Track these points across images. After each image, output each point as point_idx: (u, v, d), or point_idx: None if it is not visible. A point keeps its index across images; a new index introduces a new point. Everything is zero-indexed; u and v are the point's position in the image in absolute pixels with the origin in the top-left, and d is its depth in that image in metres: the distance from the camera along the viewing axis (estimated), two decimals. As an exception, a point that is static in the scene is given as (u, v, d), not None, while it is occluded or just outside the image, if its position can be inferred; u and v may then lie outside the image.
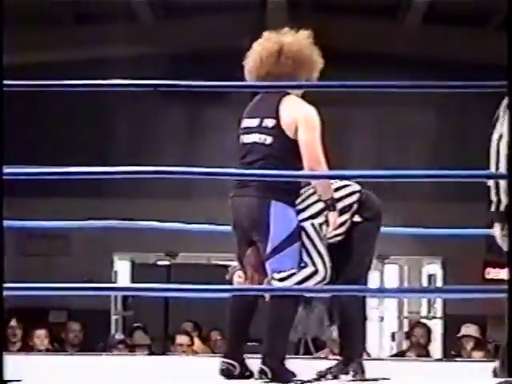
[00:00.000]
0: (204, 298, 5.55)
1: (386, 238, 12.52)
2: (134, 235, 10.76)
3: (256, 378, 5.32)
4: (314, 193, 5.42)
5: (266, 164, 5.33)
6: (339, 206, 5.44)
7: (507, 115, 4.91)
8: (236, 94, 10.51)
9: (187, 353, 10.81)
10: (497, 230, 5.05)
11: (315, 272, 5.38)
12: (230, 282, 5.65)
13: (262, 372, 5.32)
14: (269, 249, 5.34)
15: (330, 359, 5.74)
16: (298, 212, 5.40)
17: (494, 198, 5.04)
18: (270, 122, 5.41)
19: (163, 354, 11.04)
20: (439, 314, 14.46)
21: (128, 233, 10.11)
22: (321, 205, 5.40)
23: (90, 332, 12.12)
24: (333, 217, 5.40)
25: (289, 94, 5.46)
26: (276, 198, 5.34)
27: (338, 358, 5.65)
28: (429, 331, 11.89)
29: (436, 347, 12.89)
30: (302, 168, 5.36)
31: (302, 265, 5.37)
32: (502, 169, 4.97)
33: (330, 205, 5.39)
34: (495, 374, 5.09)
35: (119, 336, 13.04)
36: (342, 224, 5.49)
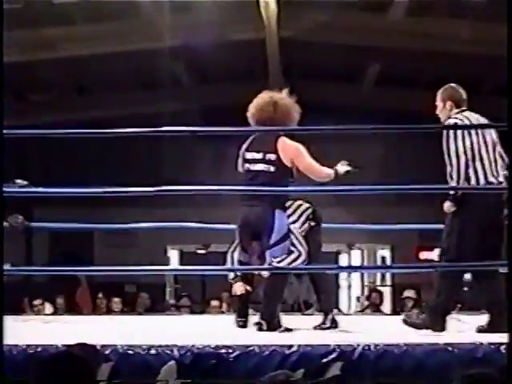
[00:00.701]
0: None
1: (352, 232, 12.60)
2: (181, 232, 10.77)
3: (256, 329, 5.34)
4: (298, 207, 5.61)
5: (270, 185, 5.38)
6: (303, 217, 5.67)
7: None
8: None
9: (218, 312, 10.83)
10: (447, 204, 5.02)
11: (299, 255, 5.47)
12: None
13: (259, 324, 5.36)
14: (271, 242, 5.40)
15: (314, 315, 5.72)
16: (290, 223, 5.53)
17: (451, 192, 4.99)
18: (272, 156, 5.43)
19: (201, 313, 11.06)
20: (389, 282, 14.44)
21: (177, 231, 10.13)
22: (299, 214, 5.63)
23: (152, 299, 12.16)
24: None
25: (281, 135, 5.46)
26: (277, 207, 5.40)
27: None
28: (382, 295, 11.89)
29: (387, 306, 12.85)
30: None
31: (289, 252, 5.47)
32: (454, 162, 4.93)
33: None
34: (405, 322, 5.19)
35: (171, 301, 13.08)
36: (303, 228, 5.67)
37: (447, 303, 5.07)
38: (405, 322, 5.19)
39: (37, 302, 11.05)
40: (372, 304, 11.46)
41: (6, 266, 5.05)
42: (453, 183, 4.96)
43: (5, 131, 3.49)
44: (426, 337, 4.72)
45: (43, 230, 13.14)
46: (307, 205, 5.72)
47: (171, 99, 12.39)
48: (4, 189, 3.93)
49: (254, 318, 5.51)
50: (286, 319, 5.49)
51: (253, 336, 4.94)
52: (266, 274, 5.52)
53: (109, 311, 11.08)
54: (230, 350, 4.07)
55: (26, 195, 6.92)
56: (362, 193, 7.98)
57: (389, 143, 13.28)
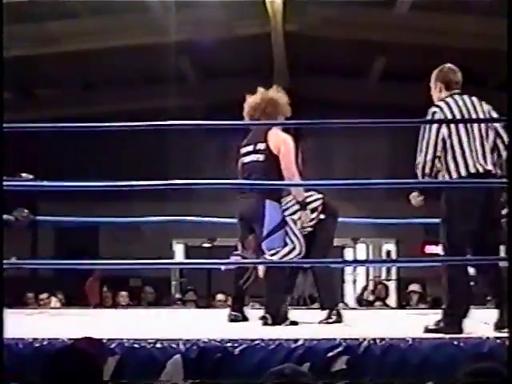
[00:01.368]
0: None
1: (357, 226, 12.60)
2: (186, 227, 10.76)
3: (262, 324, 5.33)
4: (293, 199, 5.52)
5: (260, 176, 5.46)
6: (309, 207, 5.53)
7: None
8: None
9: (224, 306, 10.81)
10: (412, 195, 4.93)
11: (293, 248, 5.45)
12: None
13: (264, 318, 5.35)
14: (264, 233, 5.41)
15: (319, 309, 5.70)
16: (283, 211, 5.48)
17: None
18: (261, 146, 5.56)
19: (206, 307, 11.05)
20: (394, 276, 14.42)
21: (182, 225, 10.12)
22: (296, 207, 5.50)
23: (157, 293, 12.16)
24: (304, 215, 5.48)
25: (271, 129, 5.59)
26: (268, 198, 5.43)
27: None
28: (387, 289, 11.88)
29: (392, 300, 12.85)
30: (282, 178, 5.46)
31: (285, 244, 5.43)
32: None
33: (302, 206, 5.49)
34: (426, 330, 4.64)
35: (177, 295, 13.07)
36: (311, 220, 5.55)
37: (459, 299, 4.69)
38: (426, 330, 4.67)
39: (43, 295, 11.06)
40: (377, 298, 11.43)
41: (12, 260, 5.05)
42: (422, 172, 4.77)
43: (5, 125, 3.46)
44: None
45: (49, 225, 13.15)
46: (317, 196, 5.62)
47: (176, 94, 12.38)
48: (6, 182, 3.90)
49: (257, 313, 5.50)
50: (292, 313, 5.47)
51: (258, 330, 4.93)
52: (260, 271, 5.50)
53: (115, 305, 11.08)
54: (236, 344, 4.06)
55: (31, 189, 6.90)
56: (367, 187, 7.96)
57: (395, 138, 13.27)
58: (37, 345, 4.08)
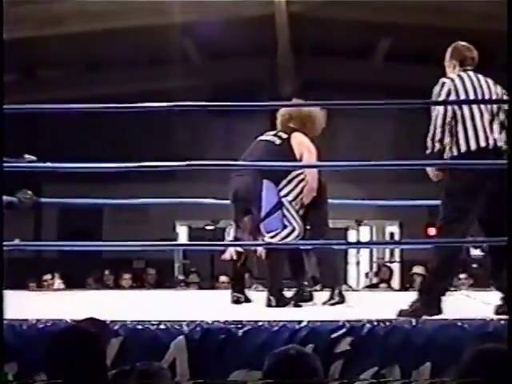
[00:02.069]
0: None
1: (361, 208, 12.55)
2: (190, 208, 10.73)
3: (266, 305, 5.34)
4: (294, 190, 5.45)
5: (268, 157, 5.38)
6: (297, 189, 5.48)
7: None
8: (259, 111, 10.54)
9: (227, 288, 10.81)
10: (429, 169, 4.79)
11: (293, 230, 5.42)
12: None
13: (268, 300, 5.35)
14: (262, 214, 5.39)
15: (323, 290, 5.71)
16: (278, 191, 5.44)
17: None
18: (283, 135, 5.56)
19: (210, 288, 11.05)
20: (397, 258, 14.42)
21: (186, 207, 10.08)
22: (295, 190, 5.44)
23: (160, 274, 12.17)
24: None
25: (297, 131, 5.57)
26: (266, 178, 5.41)
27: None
28: (391, 271, 11.87)
29: (396, 282, 12.85)
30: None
31: (284, 226, 5.41)
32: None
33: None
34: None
35: (180, 277, 13.09)
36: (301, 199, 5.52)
37: (443, 281, 4.63)
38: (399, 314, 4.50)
39: (46, 276, 11.08)
40: (381, 280, 11.43)
41: (16, 241, 5.05)
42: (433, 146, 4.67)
43: (5, 106, 3.45)
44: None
45: (52, 206, 13.15)
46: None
47: (181, 75, 12.34)
48: (8, 164, 3.89)
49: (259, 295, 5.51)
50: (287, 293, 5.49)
51: (262, 311, 4.93)
52: (259, 251, 5.50)
53: (118, 286, 11.09)
54: (240, 326, 4.07)
55: (34, 170, 6.88)
56: (371, 168, 7.95)
57: (400, 119, 13.23)
58: (40, 326, 4.09)
